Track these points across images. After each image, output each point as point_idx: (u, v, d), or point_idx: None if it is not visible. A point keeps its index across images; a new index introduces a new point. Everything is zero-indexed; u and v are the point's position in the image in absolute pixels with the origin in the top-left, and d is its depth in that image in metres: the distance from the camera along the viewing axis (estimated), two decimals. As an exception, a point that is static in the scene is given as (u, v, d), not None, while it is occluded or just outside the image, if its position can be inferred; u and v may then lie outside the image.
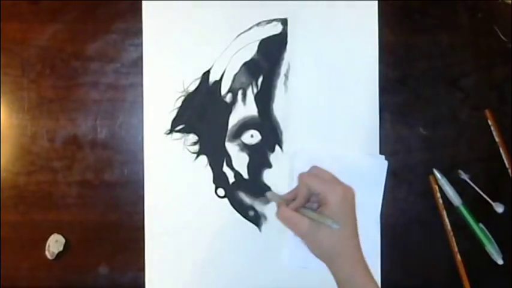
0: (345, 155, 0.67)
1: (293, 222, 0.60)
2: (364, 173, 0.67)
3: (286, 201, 0.63)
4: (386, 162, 0.67)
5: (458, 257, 0.67)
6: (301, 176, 0.61)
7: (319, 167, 0.63)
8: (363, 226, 0.60)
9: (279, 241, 0.67)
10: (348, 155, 0.67)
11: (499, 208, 0.67)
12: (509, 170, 0.68)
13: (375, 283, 0.58)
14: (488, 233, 0.67)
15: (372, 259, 0.65)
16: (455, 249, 0.67)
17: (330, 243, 0.58)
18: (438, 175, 0.67)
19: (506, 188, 0.68)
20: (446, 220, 0.67)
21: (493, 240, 0.67)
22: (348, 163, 0.67)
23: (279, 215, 0.62)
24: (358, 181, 0.62)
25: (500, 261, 0.67)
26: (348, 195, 0.59)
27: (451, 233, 0.67)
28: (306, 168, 0.64)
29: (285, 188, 0.67)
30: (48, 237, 0.67)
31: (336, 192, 0.58)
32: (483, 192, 0.67)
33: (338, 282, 0.59)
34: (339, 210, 0.58)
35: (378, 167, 0.67)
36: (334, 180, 0.61)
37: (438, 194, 0.67)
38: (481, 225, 0.67)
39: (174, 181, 0.67)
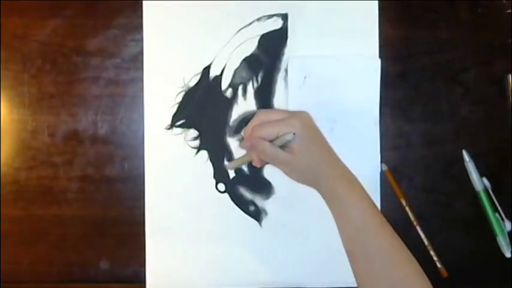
0: (337, 57, 0.67)
1: (260, 148, 0.58)
2: (358, 74, 0.67)
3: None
4: (379, 60, 0.67)
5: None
6: (252, 130, 0.59)
7: (263, 110, 0.62)
8: (361, 128, 0.63)
9: (279, 236, 0.68)
10: (339, 58, 0.67)
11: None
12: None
13: (361, 192, 0.57)
14: (502, 224, 0.67)
15: (372, 163, 0.67)
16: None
17: (307, 165, 0.58)
18: (466, 157, 0.67)
19: (507, 184, 0.68)
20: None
21: (506, 232, 0.67)
22: (340, 66, 0.67)
23: (243, 145, 0.60)
24: (352, 83, 0.64)
25: (508, 254, 0.67)
26: (304, 121, 0.58)
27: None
28: (300, 78, 0.66)
29: (285, 183, 0.67)
30: (49, 232, 0.67)
31: (292, 125, 0.57)
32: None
33: (326, 202, 0.58)
34: (301, 140, 0.56)
35: (371, 66, 0.67)
36: (283, 116, 0.58)
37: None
38: (496, 214, 0.67)
39: (174, 176, 0.67)
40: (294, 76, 0.67)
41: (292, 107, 0.67)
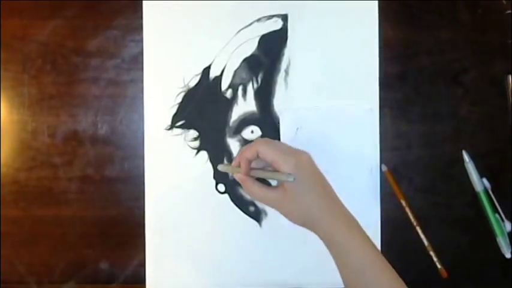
0: (332, 108, 0.67)
1: (247, 187, 0.58)
2: (352, 124, 0.66)
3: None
4: (377, 112, 0.67)
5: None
6: (255, 141, 0.58)
7: (263, 140, 0.60)
8: (355, 178, 0.63)
9: (279, 236, 0.68)
10: (332, 108, 0.67)
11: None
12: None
13: (361, 236, 0.56)
14: (502, 225, 0.67)
15: (372, 210, 0.67)
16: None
17: (300, 208, 0.56)
18: (466, 158, 0.67)
19: (506, 184, 0.68)
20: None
21: (505, 233, 0.67)
22: (333, 117, 0.67)
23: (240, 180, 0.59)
24: (346, 133, 0.64)
25: (508, 255, 0.67)
26: (302, 160, 0.56)
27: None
28: (292, 129, 0.65)
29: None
30: (49, 232, 0.67)
31: (287, 162, 0.55)
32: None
33: (325, 245, 0.57)
34: (295, 181, 0.54)
35: (366, 116, 0.67)
36: (287, 151, 0.57)
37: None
38: (496, 215, 0.67)
39: (174, 177, 0.67)
40: (286, 128, 0.67)
41: None
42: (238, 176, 0.58)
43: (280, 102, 0.68)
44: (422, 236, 0.67)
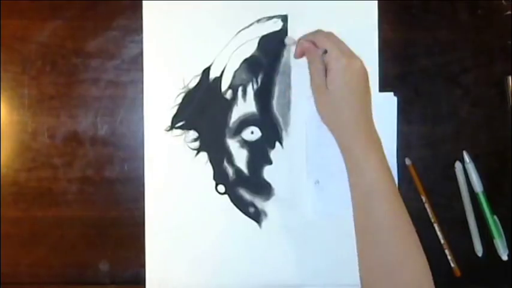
0: None
1: (311, 55, 0.60)
2: (374, 111, 0.64)
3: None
4: (395, 98, 0.67)
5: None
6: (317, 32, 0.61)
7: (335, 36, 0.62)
8: None
9: (279, 237, 0.68)
10: None
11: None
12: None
13: (379, 159, 0.56)
14: (500, 227, 0.67)
15: None
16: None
17: (333, 107, 0.57)
18: (467, 159, 0.67)
19: (507, 186, 0.68)
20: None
21: (503, 235, 0.67)
22: None
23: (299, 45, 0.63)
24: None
25: (505, 257, 0.67)
26: (353, 65, 0.58)
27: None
28: (316, 121, 0.63)
29: (285, 185, 0.67)
30: (49, 233, 0.67)
31: (339, 61, 0.57)
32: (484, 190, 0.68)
33: (343, 156, 0.58)
34: (343, 78, 0.57)
35: (387, 103, 0.67)
36: (345, 49, 0.59)
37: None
38: (495, 217, 0.67)
39: (174, 178, 0.67)
40: (311, 114, 0.64)
41: (310, 145, 0.67)
42: (313, 40, 0.61)
43: (280, 103, 0.67)
44: (439, 233, 0.67)
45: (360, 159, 0.56)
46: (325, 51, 0.59)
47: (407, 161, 0.67)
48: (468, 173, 0.68)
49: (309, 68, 0.61)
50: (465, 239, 0.68)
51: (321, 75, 0.59)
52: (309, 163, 0.67)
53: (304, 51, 0.63)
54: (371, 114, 0.60)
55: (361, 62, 0.59)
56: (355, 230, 0.57)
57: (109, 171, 0.68)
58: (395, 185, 0.56)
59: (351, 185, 0.57)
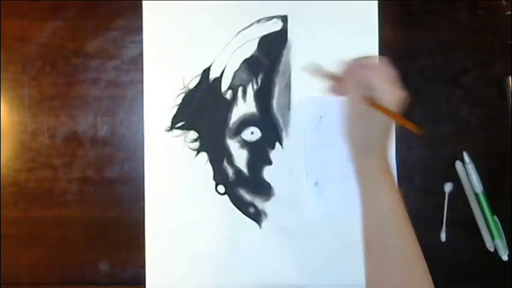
0: None
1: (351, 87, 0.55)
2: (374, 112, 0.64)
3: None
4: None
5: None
6: (354, 64, 0.56)
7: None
8: None
9: (279, 238, 0.68)
10: None
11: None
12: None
13: (394, 185, 0.55)
14: (500, 227, 0.67)
15: None
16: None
17: (375, 132, 0.55)
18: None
19: (507, 186, 0.68)
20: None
21: (503, 235, 0.67)
22: None
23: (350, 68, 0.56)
24: None
25: (505, 258, 0.67)
26: (397, 97, 0.54)
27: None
28: (316, 117, 0.63)
29: (285, 185, 0.67)
30: (49, 233, 0.67)
31: (393, 94, 0.54)
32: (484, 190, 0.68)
33: (360, 180, 0.56)
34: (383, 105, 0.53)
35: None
36: (393, 81, 0.55)
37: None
38: (495, 217, 0.67)
39: (174, 178, 0.67)
40: (309, 116, 0.67)
41: (309, 147, 0.67)
42: (355, 74, 0.56)
43: (280, 104, 0.68)
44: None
45: (379, 182, 0.55)
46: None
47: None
48: (468, 174, 0.68)
49: (349, 81, 0.56)
50: (466, 239, 0.68)
51: (361, 90, 0.55)
52: (308, 165, 0.67)
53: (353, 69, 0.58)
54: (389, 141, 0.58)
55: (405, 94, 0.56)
56: (365, 250, 0.56)
57: (109, 172, 0.68)
58: (406, 211, 0.56)
59: (365, 208, 0.56)
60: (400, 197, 0.56)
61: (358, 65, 0.56)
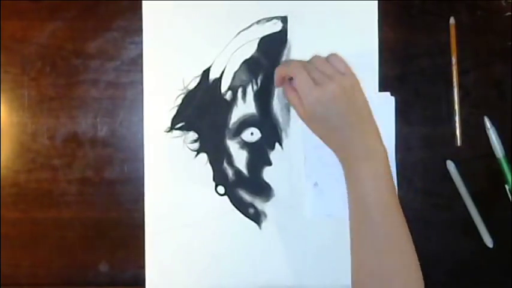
0: None
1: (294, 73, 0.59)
2: (373, 108, 0.64)
3: None
4: (393, 98, 0.67)
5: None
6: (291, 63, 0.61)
7: (320, 58, 0.61)
8: None
9: (279, 238, 0.68)
10: None
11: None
12: None
13: (381, 169, 0.56)
14: None
15: None
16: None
17: (322, 132, 0.60)
18: (488, 124, 0.67)
19: (506, 188, 0.68)
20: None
21: None
22: None
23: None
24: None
25: None
26: (345, 87, 0.57)
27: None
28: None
29: (285, 186, 0.67)
30: (49, 234, 0.67)
31: (306, 94, 0.57)
32: (482, 191, 0.68)
33: (342, 166, 0.58)
34: (312, 110, 0.57)
35: (385, 104, 0.67)
36: (331, 74, 0.58)
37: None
38: None
39: (174, 179, 0.67)
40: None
41: (308, 147, 0.67)
42: (292, 65, 0.60)
43: (280, 104, 0.68)
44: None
45: (361, 169, 0.56)
46: (291, 78, 0.60)
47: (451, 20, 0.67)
48: (490, 139, 0.67)
49: (287, 98, 0.62)
50: (466, 239, 0.68)
51: (298, 105, 0.59)
52: (307, 165, 0.67)
53: (280, 80, 0.63)
54: (370, 123, 0.59)
55: (333, 85, 0.57)
56: (351, 237, 0.57)
57: (109, 173, 0.68)
58: (395, 194, 0.56)
59: (349, 195, 0.57)
60: (390, 183, 0.56)
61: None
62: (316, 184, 0.67)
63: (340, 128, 0.58)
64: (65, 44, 0.68)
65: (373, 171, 0.56)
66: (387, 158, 0.58)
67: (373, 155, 0.57)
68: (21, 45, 0.68)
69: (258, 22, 0.67)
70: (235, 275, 0.68)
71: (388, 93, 0.67)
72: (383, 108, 0.67)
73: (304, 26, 0.68)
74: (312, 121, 0.60)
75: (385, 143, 0.60)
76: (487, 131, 0.68)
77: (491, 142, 0.67)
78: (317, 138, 0.62)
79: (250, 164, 0.68)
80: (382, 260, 0.54)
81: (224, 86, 0.67)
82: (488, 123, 0.67)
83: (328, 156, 0.62)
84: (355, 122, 0.58)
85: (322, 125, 0.59)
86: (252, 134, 0.68)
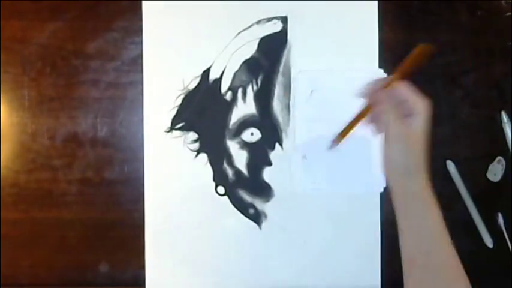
0: (345, 70, 0.67)
1: (382, 118, 0.55)
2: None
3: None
4: (385, 75, 0.66)
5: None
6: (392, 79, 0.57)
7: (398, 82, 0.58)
8: (369, 142, 0.62)
9: (279, 239, 0.68)
10: (347, 71, 0.67)
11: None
12: None
13: (436, 203, 0.55)
14: None
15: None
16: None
17: (415, 153, 0.55)
18: (505, 118, 0.67)
19: (506, 188, 0.68)
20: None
21: None
22: (347, 80, 0.66)
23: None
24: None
25: None
26: (428, 109, 0.55)
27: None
28: (307, 91, 0.64)
29: (285, 186, 0.67)
30: (49, 235, 0.67)
31: (425, 104, 0.54)
32: (482, 191, 0.67)
33: (402, 201, 0.55)
34: (423, 125, 0.54)
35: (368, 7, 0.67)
36: (413, 94, 0.56)
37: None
38: None
39: (174, 179, 0.67)
40: (300, 90, 0.67)
41: (298, 120, 0.67)
42: (379, 107, 0.56)
43: (279, 105, 0.68)
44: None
45: (427, 203, 0.55)
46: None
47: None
48: (505, 132, 0.67)
49: (385, 115, 0.56)
50: (466, 239, 0.68)
51: (401, 125, 0.55)
52: (296, 138, 0.67)
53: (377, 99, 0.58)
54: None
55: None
56: (408, 268, 0.56)
57: (109, 173, 0.68)
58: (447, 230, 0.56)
59: (407, 229, 0.56)
60: (440, 213, 0.55)
61: (380, 88, 0.56)
62: (304, 157, 0.67)
63: (422, 150, 0.55)
64: (65, 44, 0.68)
65: (436, 205, 0.55)
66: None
67: (429, 187, 0.56)
68: (21, 46, 0.68)
69: (258, 22, 0.67)
70: (235, 275, 0.68)
71: (381, 71, 0.67)
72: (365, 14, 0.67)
73: (304, 26, 0.68)
74: (411, 138, 0.55)
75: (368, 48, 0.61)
76: (503, 126, 0.67)
77: (506, 137, 0.67)
78: (308, 112, 0.62)
79: (250, 164, 0.68)
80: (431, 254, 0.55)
81: (224, 86, 0.67)
82: (505, 117, 0.67)
83: (317, 130, 0.62)
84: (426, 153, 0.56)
85: (417, 146, 0.55)
86: (252, 134, 0.68)
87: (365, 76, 0.63)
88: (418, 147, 0.55)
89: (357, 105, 0.58)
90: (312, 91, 0.67)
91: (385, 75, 0.67)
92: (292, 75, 0.67)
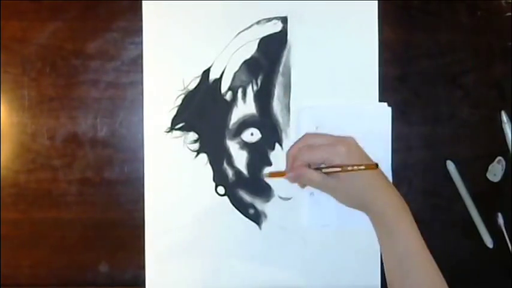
0: (348, 106, 0.67)
1: (306, 177, 0.61)
2: (370, 122, 0.66)
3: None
4: (389, 109, 0.67)
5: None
6: (296, 152, 0.62)
7: (310, 134, 0.64)
8: None
9: (279, 239, 0.68)
10: (351, 106, 0.67)
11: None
12: None
13: (409, 222, 0.57)
14: None
15: None
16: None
17: (352, 191, 0.59)
18: (505, 118, 0.67)
19: (506, 188, 0.68)
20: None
21: None
22: (352, 114, 0.67)
23: (288, 174, 0.62)
24: (365, 131, 0.63)
25: None
26: (350, 147, 0.59)
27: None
28: (311, 126, 0.66)
29: (285, 186, 0.67)
30: (49, 235, 0.67)
31: (339, 152, 0.58)
32: (482, 191, 0.67)
33: (374, 227, 0.59)
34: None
35: (382, 114, 0.67)
36: (331, 141, 0.61)
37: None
38: None
39: (174, 179, 0.67)
40: (305, 126, 0.67)
41: None
42: (297, 171, 0.61)
43: (279, 105, 0.68)
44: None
45: (392, 226, 0.57)
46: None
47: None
48: (505, 132, 0.67)
49: (313, 183, 0.61)
50: (466, 239, 0.68)
51: (328, 178, 0.60)
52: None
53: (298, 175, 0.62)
54: (385, 178, 0.61)
55: (351, 138, 0.60)
56: None
57: (109, 173, 0.68)
58: (427, 249, 0.57)
59: (383, 249, 0.58)
60: (419, 235, 0.57)
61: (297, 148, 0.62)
62: (312, 194, 0.67)
63: (369, 183, 0.59)
64: (65, 44, 0.68)
65: (406, 227, 0.57)
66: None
67: (403, 209, 0.58)
68: (21, 46, 0.68)
69: (258, 22, 0.67)
70: (235, 275, 0.68)
71: (385, 104, 0.67)
72: (380, 118, 0.67)
73: (304, 26, 0.68)
74: (347, 183, 0.59)
75: (381, 153, 0.62)
76: (503, 126, 0.67)
77: (506, 137, 0.67)
78: None
79: (250, 165, 0.68)
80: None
81: (224, 86, 0.67)
82: (505, 117, 0.67)
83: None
84: (380, 175, 0.60)
85: (356, 184, 0.59)
86: (252, 135, 0.68)
87: (369, 110, 0.64)
88: (351, 187, 0.59)
89: (362, 139, 0.61)
90: (317, 127, 0.67)
91: (389, 109, 0.67)
92: (297, 111, 0.67)
